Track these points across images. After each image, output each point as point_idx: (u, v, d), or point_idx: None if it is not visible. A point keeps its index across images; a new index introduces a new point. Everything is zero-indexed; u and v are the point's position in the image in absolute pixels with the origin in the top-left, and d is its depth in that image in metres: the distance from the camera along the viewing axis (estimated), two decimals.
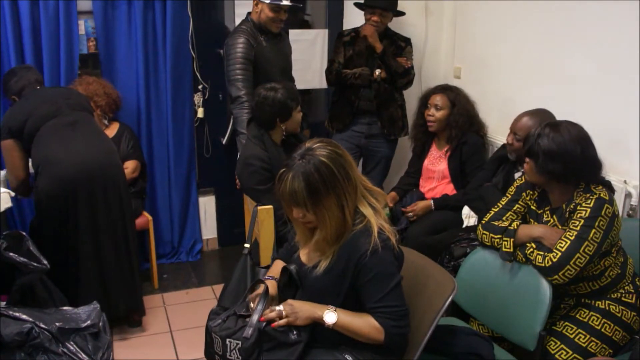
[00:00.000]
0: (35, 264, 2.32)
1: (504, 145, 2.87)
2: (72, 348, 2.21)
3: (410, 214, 3.06)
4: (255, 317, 1.68)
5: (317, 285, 1.71)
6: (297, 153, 1.67)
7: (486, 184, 2.74)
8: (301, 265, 1.78)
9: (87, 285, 2.67)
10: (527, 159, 2.08)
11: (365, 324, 1.66)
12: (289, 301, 1.71)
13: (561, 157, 1.97)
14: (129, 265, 2.80)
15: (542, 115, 2.52)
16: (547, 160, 1.98)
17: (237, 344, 1.66)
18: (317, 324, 1.68)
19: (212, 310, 1.84)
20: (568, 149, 1.97)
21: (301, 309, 1.68)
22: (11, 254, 2.28)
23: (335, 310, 1.66)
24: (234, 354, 1.67)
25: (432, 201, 3.07)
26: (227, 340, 1.68)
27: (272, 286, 1.81)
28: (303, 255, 1.81)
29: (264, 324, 1.66)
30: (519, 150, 2.46)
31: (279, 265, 1.93)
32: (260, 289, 1.77)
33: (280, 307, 1.68)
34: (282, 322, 1.66)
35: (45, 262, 2.34)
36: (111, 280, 2.73)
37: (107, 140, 2.88)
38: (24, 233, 2.41)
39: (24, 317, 2.17)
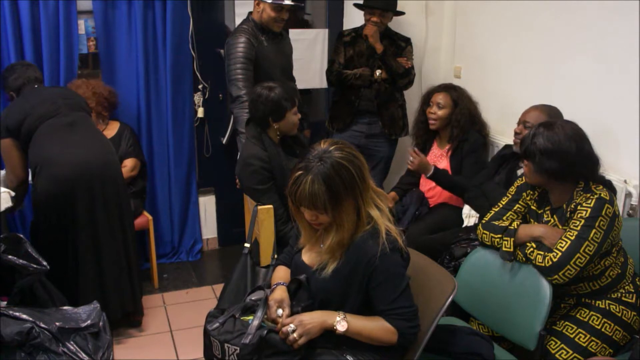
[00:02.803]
0: (35, 266, 2.31)
1: (506, 146, 2.87)
2: (72, 348, 2.21)
3: (411, 159, 2.96)
4: (255, 324, 1.67)
5: (323, 288, 1.70)
6: (312, 155, 1.63)
7: (487, 181, 2.74)
8: (306, 268, 1.77)
9: (86, 286, 2.67)
10: (525, 161, 2.08)
11: (377, 327, 1.66)
12: (298, 318, 1.66)
13: (557, 154, 1.98)
14: (127, 266, 2.80)
15: (551, 111, 2.55)
16: (543, 159, 1.99)
17: (236, 349, 1.65)
18: None
19: (210, 312, 1.82)
20: (563, 146, 1.98)
21: (312, 323, 1.65)
22: (10, 256, 2.28)
23: (345, 317, 1.66)
24: (232, 358, 1.67)
25: (433, 168, 2.96)
26: (226, 345, 1.68)
27: (283, 290, 1.78)
28: (307, 257, 1.80)
29: (265, 331, 1.65)
30: None
31: (281, 271, 1.91)
32: (272, 292, 1.77)
33: (293, 327, 1.63)
34: (298, 344, 1.64)
35: (44, 263, 2.34)
36: (109, 281, 2.72)
37: (105, 140, 2.87)
38: (21, 235, 2.41)
39: (24, 316, 2.16)
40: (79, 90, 3.08)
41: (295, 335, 1.63)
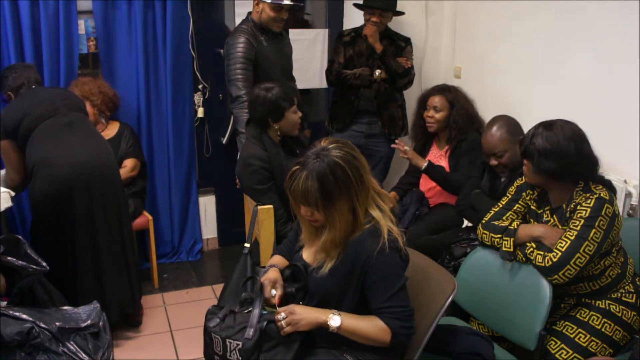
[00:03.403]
0: (34, 267, 2.32)
1: None
2: (72, 348, 2.21)
3: (404, 148, 2.99)
4: (255, 319, 1.68)
5: (321, 286, 1.71)
6: (311, 152, 1.65)
7: (475, 190, 2.72)
8: (305, 266, 1.78)
9: (84, 287, 2.66)
10: (525, 161, 2.08)
11: (370, 326, 1.66)
12: (291, 307, 1.67)
13: (555, 155, 1.98)
14: (125, 267, 2.79)
15: (503, 120, 2.53)
16: (542, 159, 1.99)
17: (238, 344, 1.66)
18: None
19: (209, 310, 1.83)
20: (562, 147, 1.98)
21: (303, 316, 1.65)
22: (9, 258, 2.28)
23: (339, 314, 1.66)
24: (233, 354, 1.67)
25: (427, 162, 2.98)
26: (227, 340, 1.68)
27: (276, 271, 1.80)
28: (307, 255, 1.80)
29: (265, 323, 1.66)
30: (510, 162, 2.46)
31: (276, 258, 1.93)
32: (266, 279, 1.77)
33: (283, 315, 1.65)
34: (284, 333, 1.65)
35: (44, 264, 2.34)
36: (107, 282, 2.72)
37: (103, 141, 2.87)
38: (20, 237, 2.41)
39: (24, 316, 2.17)
40: (85, 86, 3.09)
41: (282, 322, 1.64)
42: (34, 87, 2.84)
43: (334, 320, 1.65)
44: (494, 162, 2.53)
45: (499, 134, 2.49)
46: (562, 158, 1.98)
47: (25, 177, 2.78)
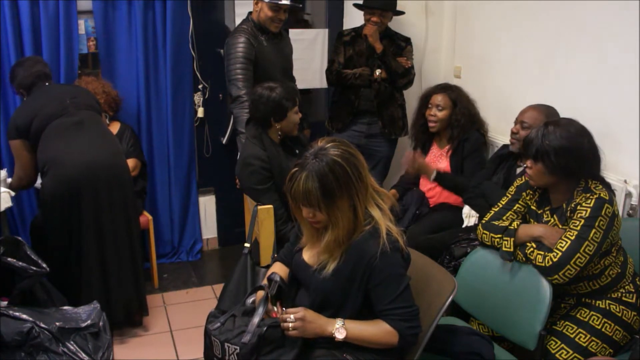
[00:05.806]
0: (34, 268, 2.31)
1: (503, 146, 2.87)
2: (72, 348, 2.21)
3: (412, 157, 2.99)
4: (255, 321, 1.68)
5: (323, 287, 1.70)
6: (309, 152, 1.65)
7: (486, 181, 2.73)
8: (306, 267, 1.77)
9: (90, 286, 2.67)
10: (530, 163, 2.04)
11: (377, 330, 1.66)
12: (302, 313, 1.65)
13: (573, 151, 1.97)
14: (133, 267, 2.79)
15: (548, 110, 2.55)
16: (559, 157, 1.97)
17: (236, 349, 1.66)
18: None
19: (211, 313, 1.83)
20: (577, 142, 1.98)
21: (310, 325, 1.65)
22: (9, 259, 2.28)
23: (343, 324, 1.66)
24: (232, 358, 1.67)
25: (435, 172, 2.96)
26: (226, 344, 1.68)
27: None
28: (308, 256, 1.80)
29: (265, 328, 1.65)
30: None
31: (277, 267, 1.92)
32: (263, 292, 1.78)
33: (292, 319, 1.64)
34: (288, 334, 1.65)
35: (44, 265, 2.34)
36: (114, 281, 2.72)
37: (113, 140, 2.87)
38: (20, 238, 2.41)
39: (24, 316, 2.17)
40: (89, 86, 3.10)
41: (291, 325, 1.64)
42: (47, 84, 2.84)
43: (340, 332, 1.65)
44: (514, 128, 2.59)
45: (536, 112, 2.56)
46: (578, 154, 1.98)
47: (35, 177, 2.79)
